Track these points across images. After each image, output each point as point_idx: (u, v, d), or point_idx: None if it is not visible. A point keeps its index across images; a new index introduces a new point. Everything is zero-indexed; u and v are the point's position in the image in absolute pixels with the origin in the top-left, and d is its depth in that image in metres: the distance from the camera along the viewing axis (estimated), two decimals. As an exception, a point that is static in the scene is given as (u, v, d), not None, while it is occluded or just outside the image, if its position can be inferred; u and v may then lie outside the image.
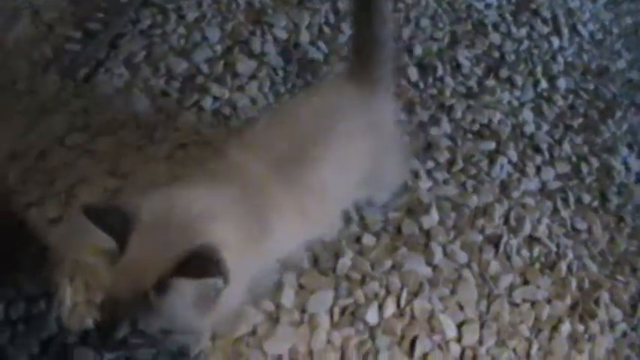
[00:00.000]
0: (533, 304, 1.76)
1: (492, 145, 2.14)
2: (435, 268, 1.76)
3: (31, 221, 1.63)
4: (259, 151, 1.22)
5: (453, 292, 1.72)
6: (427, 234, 1.83)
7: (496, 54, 2.48)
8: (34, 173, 1.79)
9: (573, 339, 1.73)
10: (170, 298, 0.94)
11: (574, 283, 1.84)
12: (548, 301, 1.78)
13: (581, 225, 2.02)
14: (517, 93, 2.36)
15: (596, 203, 2.11)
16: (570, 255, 1.91)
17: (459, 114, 2.23)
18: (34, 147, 1.86)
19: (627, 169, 2.24)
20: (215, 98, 2.07)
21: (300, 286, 1.65)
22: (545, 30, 2.59)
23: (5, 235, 1.58)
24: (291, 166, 1.20)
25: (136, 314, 0.93)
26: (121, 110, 1.98)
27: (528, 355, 1.66)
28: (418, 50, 2.36)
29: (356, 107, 1.37)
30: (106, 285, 1.01)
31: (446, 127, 2.18)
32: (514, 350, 1.66)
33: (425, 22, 2.48)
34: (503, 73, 2.42)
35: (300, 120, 1.25)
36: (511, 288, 1.78)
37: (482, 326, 1.68)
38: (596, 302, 1.82)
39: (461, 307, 1.70)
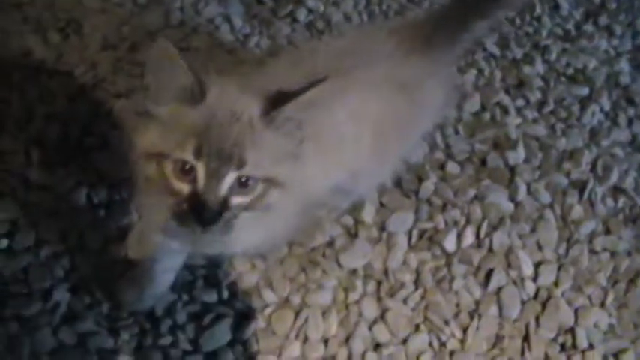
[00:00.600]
0: (612, 254, 1.74)
1: (585, 91, 2.09)
2: (517, 204, 1.74)
3: (119, 111, 1.64)
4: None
5: (533, 230, 1.71)
6: (512, 170, 1.80)
7: (597, 0, 2.37)
8: (125, 64, 1.79)
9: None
10: (274, 131, 0.93)
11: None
12: (629, 254, 1.74)
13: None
14: (615, 42, 2.29)
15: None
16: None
17: (553, 56, 2.19)
18: (126, 39, 1.86)
19: None
20: (310, 11, 2.05)
21: (382, 205, 1.65)
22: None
23: (94, 123, 1.60)
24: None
25: (244, 151, 0.89)
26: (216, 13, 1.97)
27: (603, 304, 1.64)
28: (518, -15, 2.26)
29: (392, 64, 1.29)
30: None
31: (539, 67, 2.14)
32: (589, 297, 1.63)
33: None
34: (603, 20, 2.35)
35: (320, 59, 1.18)
36: (592, 235, 1.75)
37: (559, 268, 1.65)
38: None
39: (539, 247, 1.68)
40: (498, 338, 1.53)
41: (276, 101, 0.93)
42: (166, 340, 1.35)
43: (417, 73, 1.29)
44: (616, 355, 1.59)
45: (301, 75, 1.06)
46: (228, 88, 0.94)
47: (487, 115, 1.93)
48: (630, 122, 2.08)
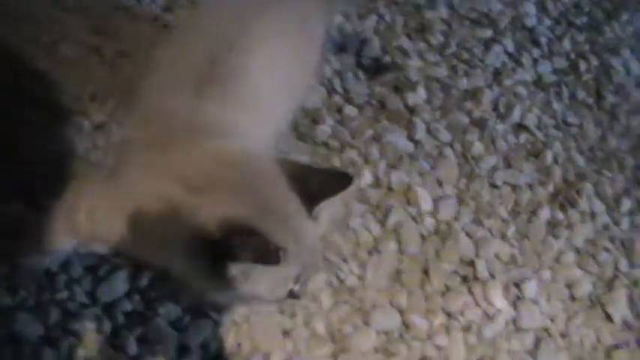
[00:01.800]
0: (514, 187, 1.78)
1: (489, 33, 2.13)
2: (416, 143, 1.76)
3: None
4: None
5: (432, 167, 1.74)
6: (412, 110, 1.82)
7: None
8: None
9: (551, 225, 1.75)
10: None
11: (558, 173, 1.85)
12: (530, 187, 1.78)
13: (573, 119, 2.03)
14: (520, -15, 2.32)
15: (590, 100, 2.12)
16: (558, 146, 1.93)
17: (457, 0, 2.19)
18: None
19: (627, 71, 2.24)
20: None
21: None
22: None
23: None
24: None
25: None
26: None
27: (504, 235, 1.67)
28: None
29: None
30: None
31: (442, 11, 2.16)
32: (490, 229, 1.66)
33: None
34: (506, -37, 2.37)
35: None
36: (493, 170, 1.78)
37: (459, 203, 1.67)
38: (579, 193, 1.83)
39: (439, 183, 1.71)
40: (398, 273, 1.54)
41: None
42: (63, 295, 1.33)
43: (310, 7, 1.30)
44: (518, 284, 1.60)
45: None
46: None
47: (387, 59, 1.93)
48: (535, 62, 2.13)
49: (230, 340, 1.36)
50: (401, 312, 1.49)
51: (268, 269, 0.86)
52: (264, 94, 1.14)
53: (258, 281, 0.88)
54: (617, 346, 1.66)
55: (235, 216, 0.85)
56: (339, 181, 0.96)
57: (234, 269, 0.84)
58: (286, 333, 1.39)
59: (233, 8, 1.19)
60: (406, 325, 1.48)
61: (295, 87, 1.30)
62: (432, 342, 1.48)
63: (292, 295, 0.98)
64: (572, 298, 1.68)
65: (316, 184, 0.94)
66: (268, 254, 0.83)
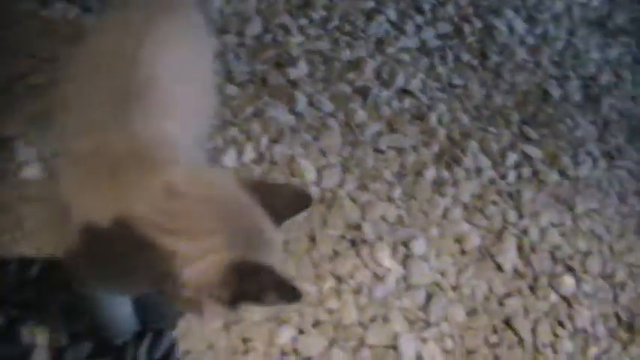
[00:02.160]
0: (399, 151, 1.81)
1: (371, 4, 2.16)
2: (298, 116, 1.78)
3: None
4: None
5: (315, 138, 1.76)
6: (294, 85, 1.85)
7: None
8: None
9: (437, 184, 1.79)
10: None
11: (443, 133, 1.90)
12: (415, 149, 1.82)
13: (458, 81, 2.09)
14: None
15: (475, 62, 2.17)
16: (443, 108, 1.98)
17: (338, -25, 2.23)
18: None
19: (511, 30, 2.30)
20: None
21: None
22: None
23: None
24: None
25: None
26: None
27: (390, 198, 1.70)
28: None
29: None
30: None
31: (324, -14, 2.18)
32: (375, 193, 1.69)
33: None
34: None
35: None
36: (377, 135, 1.82)
37: (344, 171, 1.71)
38: (464, 151, 1.88)
39: (323, 153, 1.74)
40: (285, 243, 1.56)
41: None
42: None
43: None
44: (406, 243, 1.65)
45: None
46: None
47: (269, 37, 1.95)
48: (419, 29, 2.18)
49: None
50: (290, 280, 1.49)
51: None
52: (180, 100, 1.14)
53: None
54: (509, 294, 1.70)
55: (239, 259, 0.88)
56: (302, 200, 1.00)
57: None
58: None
59: (126, 22, 1.19)
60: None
61: (204, 87, 1.29)
62: (323, 307, 1.51)
63: None
64: (462, 252, 1.72)
65: (281, 204, 0.97)
66: (293, 296, 0.88)
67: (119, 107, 1.03)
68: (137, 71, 1.08)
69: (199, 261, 0.88)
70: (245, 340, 1.43)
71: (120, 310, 1.28)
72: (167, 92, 1.09)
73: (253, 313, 1.46)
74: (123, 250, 0.93)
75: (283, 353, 1.43)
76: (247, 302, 0.89)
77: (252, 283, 0.87)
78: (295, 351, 1.43)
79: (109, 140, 0.98)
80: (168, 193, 0.91)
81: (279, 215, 0.96)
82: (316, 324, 1.50)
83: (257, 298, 0.88)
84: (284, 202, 0.98)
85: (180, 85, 1.13)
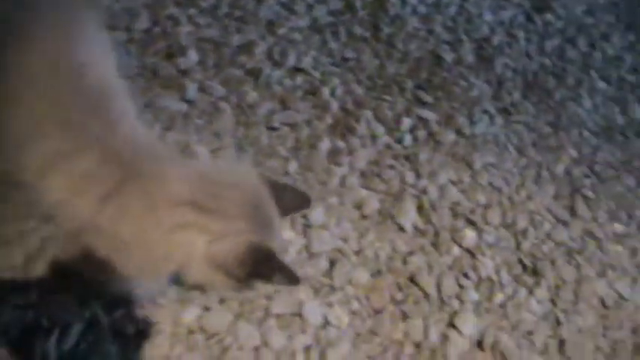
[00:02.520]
0: (292, 126, 1.86)
1: (260, -12, 2.19)
2: (189, 103, 1.81)
3: None
4: None
5: (208, 123, 1.79)
6: (184, 74, 1.88)
7: None
8: None
9: (333, 154, 1.84)
10: None
11: (336, 105, 1.95)
12: (308, 123, 1.87)
13: (351, 54, 2.14)
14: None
15: (367, 34, 2.23)
16: (336, 81, 2.03)
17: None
18: None
19: (403, 2, 2.36)
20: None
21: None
22: None
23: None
24: None
25: None
26: None
27: (286, 172, 1.75)
28: None
29: None
30: None
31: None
32: (271, 169, 1.74)
33: None
34: None
35: None
36: (270, 114, 1.86)
37: (238, 151, 1.74)
38: (358, 120, 1.92)
39: (217, 136, 1.77)
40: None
41: None
42: None
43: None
44: (304, 214, 1.69)
45: None
46: None
47: (158, 30, 1.99)
48: (310, 8, 2.23)
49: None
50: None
51: None
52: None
53: None
54: (412, 253, 1.76)
55: (257, 244, 1.09)
56: (303, 201, 1.24)
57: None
58: None
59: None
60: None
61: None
62: (226, 284, 1.54)
63: None
64: (362, 216, 1.77)
65: (289, 201, 1.18)
66: (294, 280, 1.12)
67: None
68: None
69: (226, 239, 1.07)
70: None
71: None
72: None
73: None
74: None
75: (190, 332, 1.45)
76: (257, 280, 1.12)
77: (265, 266, 1.08)
78: (202, 328, 1.46)
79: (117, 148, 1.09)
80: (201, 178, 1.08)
81: (286, 210, 1.17)
82: (221, 301, 1.52)
83: (267, 279, 1.10)
84: (288, 199, 1.18)
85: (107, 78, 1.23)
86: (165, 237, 1.07)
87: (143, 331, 1.37)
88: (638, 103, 2.68)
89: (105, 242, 1.09)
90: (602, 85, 2.65)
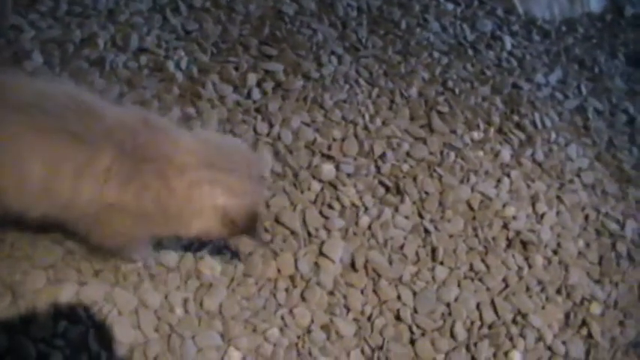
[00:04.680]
0: (142, 103, 2.01)
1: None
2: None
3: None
4: None
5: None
6: (31, 75, 2.01)
7: None
8: None
9: (184, 120, 2.00)
10: None
11: (181, 76, 2.11)
12: (157, 97, 2.03)
13: (193, 26, 2.30)
14: None
15: (207, 4, 2.39)
16: (181, 54, 2.18)
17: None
18: None
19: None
20: None
21: None
22: None
23: None
24: None
25: None
26: None
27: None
28: None
29: None
30: None
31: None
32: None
33: None
34: None
35: None
36: (120, 97, 2.01)
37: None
38: (204, 85, 2.09)
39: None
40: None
41: None
42: None
43: None
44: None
45: None
46: None
47: (2, 41, 2.12)
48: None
49: None
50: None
51: None
52: None
53: None
54: (274, 195, 1.95)
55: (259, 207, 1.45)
56: None
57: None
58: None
59: None
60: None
61: None
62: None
63: None
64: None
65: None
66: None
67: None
68: None
69: (242, 197, 1.40)
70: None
71: None
72: None
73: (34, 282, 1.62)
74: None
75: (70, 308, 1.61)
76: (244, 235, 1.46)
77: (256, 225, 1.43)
78: (80, 303, 1.62)
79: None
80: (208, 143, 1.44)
81: None
82: (96, 274, 1.68)
83: (252, 236, 1.47)
84: None
85: None
86: (180, 200, 1.33)
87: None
88: (487, 16, 2.86)
89: (130, 216, 1.33)
90: (450, 6, 2.83)
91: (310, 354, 1.70)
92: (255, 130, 2.08)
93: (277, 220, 1.91)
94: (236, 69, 2.21)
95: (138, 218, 1.34)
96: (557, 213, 2.24)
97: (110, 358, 1.56)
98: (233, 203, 1.35)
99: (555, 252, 2.14)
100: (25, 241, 1.64)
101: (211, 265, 1.74)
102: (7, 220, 1.43)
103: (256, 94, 2.19)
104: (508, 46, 2.79)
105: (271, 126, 2.09)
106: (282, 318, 1.74)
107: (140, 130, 1.31)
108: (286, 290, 1.81)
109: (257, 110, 2.13)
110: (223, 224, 1.36)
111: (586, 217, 2.27)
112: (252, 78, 2.20)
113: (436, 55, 2.56)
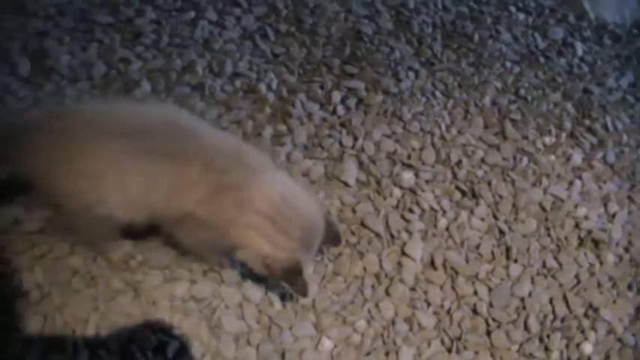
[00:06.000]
0: (238, 123, 2.29)
1: (192, 14, 2.65)
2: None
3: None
4: None
5: (166, 138, 2.23)
6: (142, 101, 2.32)
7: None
8: None
9: (276, 137, 2.26)
10: None
11: (272, 96, 2.38)
12: (251, 117, 2.31)
13: (280, 50, 2.56)
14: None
15: (292, 29, 2.65)
16: (271, 76, 2.45)
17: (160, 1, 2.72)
18: None
19: (321, -8, 2.79)
20: None
21: None
22: None
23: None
24: None
25: None
26: None
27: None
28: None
29: None
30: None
31: (151, 14, 2.67)
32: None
33: None
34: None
35: None
36: (218, 118, 2.28)
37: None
38: (293, 104, 2.37)
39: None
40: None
41: None
42: None
43: None
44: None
45: None
46: None
47: (114, 73, 2.45)
48: (239, 20, 2.67)
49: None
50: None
51: None
52: None
53: None
54: (359, 202, 2.18)
55: (300, 264, 1.59)
56: (336, 237, 1.75)
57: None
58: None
59: None
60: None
61: None
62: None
63: None
64: (311, 182, 2.17)
65: (326, 234, 1.62)
66: (303, 289, 1.64)
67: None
68: None
69: (283, 253, 1.54)
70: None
71: None
72: None
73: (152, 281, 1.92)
74: None
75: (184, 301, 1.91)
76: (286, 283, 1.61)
77: (295, 278, 1.58)
78: (192, 297, 1.91)
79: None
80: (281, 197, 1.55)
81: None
82: (204, 273, 1.96)
83: (290, 285, 1.61)
84: (328, 234, 1.62)
85: None
86: (239, 230, 1.51)
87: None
88: (558, 24, 3.03)
89: (198, 226, 1.54)
90: (521, 16, 3.00)
91: (394, 343, 1.89)
92: (340, 143, 2.29)
93: (363, 224, 2.11)
94: (321, 88, 2.42)
95: (207, 230, 1.54)
96: (629, 213, 2.34)
97: (218, 346, 1.81)
98: (272, 253, 1.53)
99: (627, 249, 2.24)
100: (142, 247, 1.91)
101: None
102: (121, 230, 1.71)
103: (340, 110, 2.40)
104: (579, 52, 2.90)
105: (355, 139, 2.30)
106: (369, 311, 1.94)
107: (232, 160, 1.53)
108: (372, 286, 2.00)
109: (342, 125, 2.35)
110: (265, 267, 1.54)
111: (657, 217, 2.25)
112: (336, 95, 2.42)
113: (508, 64, 2.73)
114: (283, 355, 1.80)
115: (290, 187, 1.59)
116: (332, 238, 1.63)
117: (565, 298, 2.08)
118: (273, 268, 1.51)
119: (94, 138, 1.45)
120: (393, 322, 1.94)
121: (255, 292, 1.90)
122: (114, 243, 1.83)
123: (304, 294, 1.63)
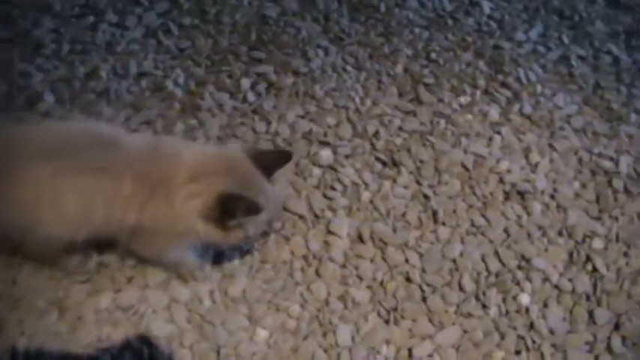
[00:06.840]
0: (148, 123, 2.24)
1: (91, 19, 2.59)
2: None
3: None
4: None
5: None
6: (46, 114, 2.23)
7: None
8: None
9: (187, 132, 2.22)
10: None
11: (180, 92, 2.35)
12: (160, 115, 2.27)
13: (185, 44, 2.53)
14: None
15: (196, 21, 2.62)
16: (177, 71, 2.42)
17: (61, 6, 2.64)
18: None
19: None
20: None
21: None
22: None
23: None
24: None
25: None
26: None
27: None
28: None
29: None
30: None
31: (49, 24, 2.60)
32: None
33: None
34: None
35: None
36: (127, 120, 2.21)
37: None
38: (202, 96, 2.33)
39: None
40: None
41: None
42: None
43: None
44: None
45: None
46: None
47: (14, 89, 2.37)
48: (140, 19, 2.64)
49: None
50: None
51: (253, 218, 1.49)
52: None
53: (248, 228, 1.53)
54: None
55: (227, 189, 1.46)
56: (283, 157, 1.64)
57: (233, 222, 1.49)
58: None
59: None
60: None
61: None
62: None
63: (266, 233, 1.81)
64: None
65: (271, 161, 1.59)
66: (252, 207, 1.45)
67: None
68: None
69: (200, 193, 1.47)
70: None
71: None
72: None
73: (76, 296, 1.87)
74: None
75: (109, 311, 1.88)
76: (230, 220, 1.49)
77: (232, 206, 1.44)
78: (117, 306, 1.89)
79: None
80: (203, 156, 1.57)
81: (267, 170, 1.58)
82: (128, 280, 1.93)
83: (233, 215, 1.46)
84: (270, 160, 1.59)
85: None
86: (179, 217, 1.49)
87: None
88: (466, -15, 3.01)
89: (151, 235, 1.55)
90: (426, -18, 3.00)
91: (331, 323, 1.88)
92: (254, 130, 2.27)
93: (285, 208, 2.09)
94: (229, 77, 2.39)
95: (157, 235, 1.55)
96: (551, 160, 2.36)
97: (151, 352, 1.77)
98: (200, 190, 1.48)
99: (552, 197, 2.26)
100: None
101: (231, 258, 1.95)
102: (57, 247, 1.68)
103: (251, 96, 2.38)
104: (487, 10, 2.92)
105: (269, 124, 2.28)
106: (301, 295, 1.94)
107: (152, 158, 1.51)
108: (301, 269, 1.99)
109: (254, 112, 2.33)
110: (202, 216, 1.47)
111: (579, 160, 2.39)
112: (245, 83, 2.40)
113: (417, 30, 2.73)
114: (219, 352, 1.79)
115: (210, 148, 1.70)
116: (281, 158, 1.68)
117: (497, 253, 2.09)
118: (208, 215, 1.49)
119: (23, 163, 1.43)
120: (327, 303, 1.93)
121: (182, 291, 1.88)
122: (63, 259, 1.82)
123: (256, 210, 1.53)
